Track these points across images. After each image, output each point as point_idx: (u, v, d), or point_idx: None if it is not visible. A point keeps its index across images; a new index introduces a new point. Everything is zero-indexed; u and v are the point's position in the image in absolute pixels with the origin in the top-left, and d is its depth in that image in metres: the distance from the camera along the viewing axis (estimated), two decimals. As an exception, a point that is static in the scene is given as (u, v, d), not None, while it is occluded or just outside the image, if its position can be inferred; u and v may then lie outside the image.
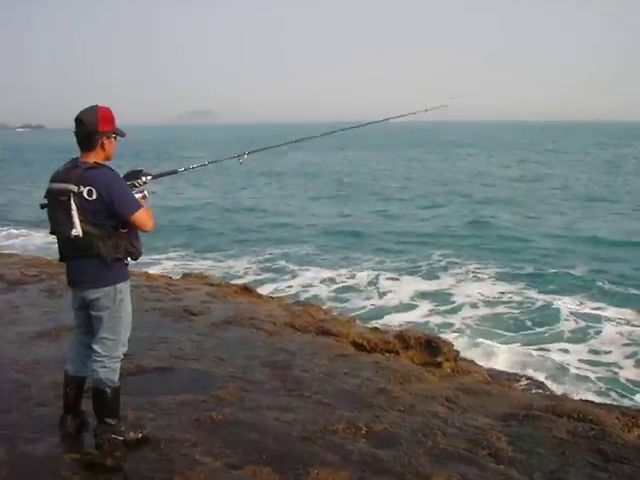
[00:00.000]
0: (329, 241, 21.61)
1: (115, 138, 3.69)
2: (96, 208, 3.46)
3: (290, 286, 15.51)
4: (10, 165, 57.54)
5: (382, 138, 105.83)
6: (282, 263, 18.12)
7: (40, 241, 20.14)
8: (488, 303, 13.84)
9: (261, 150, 5.49)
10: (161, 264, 17.53)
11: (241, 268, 17.72)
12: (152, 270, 13.12)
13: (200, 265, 17.91)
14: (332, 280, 15.87)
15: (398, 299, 14.10)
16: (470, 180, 40.72)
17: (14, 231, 23.41)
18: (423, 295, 14.44)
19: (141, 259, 3.82)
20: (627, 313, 12.91)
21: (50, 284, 8.35)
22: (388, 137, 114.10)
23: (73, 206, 3.42)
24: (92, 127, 3.54)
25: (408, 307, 13.60)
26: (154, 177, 4.04)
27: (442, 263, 17.84)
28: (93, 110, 3.57)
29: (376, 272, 16.59)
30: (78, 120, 3.55)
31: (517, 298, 14.20)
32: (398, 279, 16.01)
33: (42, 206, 3.61)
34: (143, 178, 3.91)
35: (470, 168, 49.24)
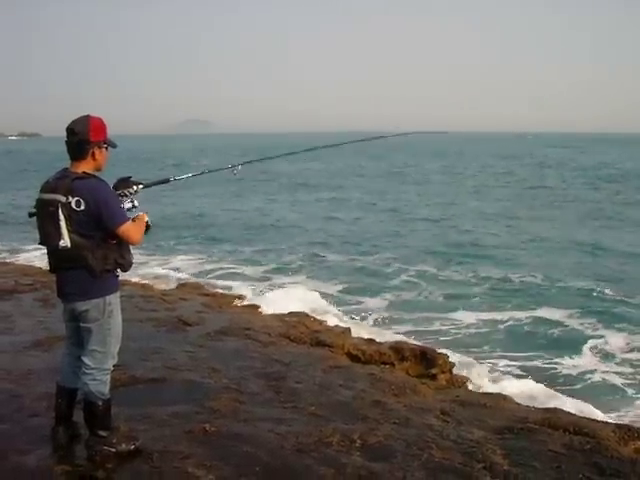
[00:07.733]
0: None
1: (107, 148, 3.67)
2: (84, 219, 3.43)
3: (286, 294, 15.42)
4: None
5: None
6: (277, 272, 18.02)
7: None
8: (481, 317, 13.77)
9: (255, 161, 5.54)
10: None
11: (240, 277, 17.64)
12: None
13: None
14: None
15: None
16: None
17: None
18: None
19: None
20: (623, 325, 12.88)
21: (44, 293, 8.31)
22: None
23: (61, 216, 3.39)
24: (84, 136, 3.52)
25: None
26: (145, 186, 4.00)
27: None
28: (85, 119, 3.56)
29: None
30: (70, 129, 3.53)
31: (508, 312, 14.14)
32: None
33: (30, 214, 3.58)
34: (134, 187, 3.88)
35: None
